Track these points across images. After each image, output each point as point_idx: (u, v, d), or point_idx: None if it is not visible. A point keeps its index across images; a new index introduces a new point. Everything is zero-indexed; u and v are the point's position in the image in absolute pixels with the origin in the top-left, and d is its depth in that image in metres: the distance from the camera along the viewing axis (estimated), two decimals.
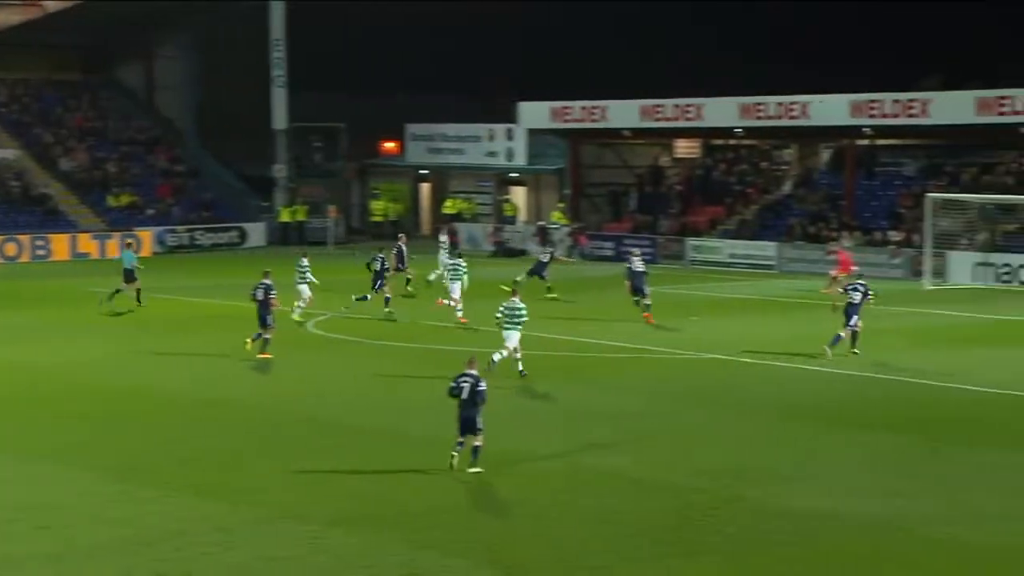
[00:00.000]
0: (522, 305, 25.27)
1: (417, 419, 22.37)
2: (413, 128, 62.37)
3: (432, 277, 38.95)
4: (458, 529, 16.34)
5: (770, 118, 48.35)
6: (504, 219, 57.88)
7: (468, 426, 18.55)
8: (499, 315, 25.30)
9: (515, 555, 15.39)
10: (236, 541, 15.80)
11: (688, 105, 50.59)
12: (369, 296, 34.01)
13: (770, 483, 18.19)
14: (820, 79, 51.65)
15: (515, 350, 25.24)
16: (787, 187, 52.68)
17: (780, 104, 47.97)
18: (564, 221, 54.61)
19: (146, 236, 54.16)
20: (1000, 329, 32.21)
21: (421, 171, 63.40)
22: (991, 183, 45.37)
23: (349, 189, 64.85)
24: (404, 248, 37.96)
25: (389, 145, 65.47)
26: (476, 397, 18.46)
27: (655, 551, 15.44)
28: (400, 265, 37.32)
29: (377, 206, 62.48)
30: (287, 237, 58.41)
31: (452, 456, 18.56)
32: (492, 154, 59.14)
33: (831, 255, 40.20)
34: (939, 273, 40.82)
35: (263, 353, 27.55)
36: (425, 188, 64.10)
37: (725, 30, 69.87)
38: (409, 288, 38.04)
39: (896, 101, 45.23)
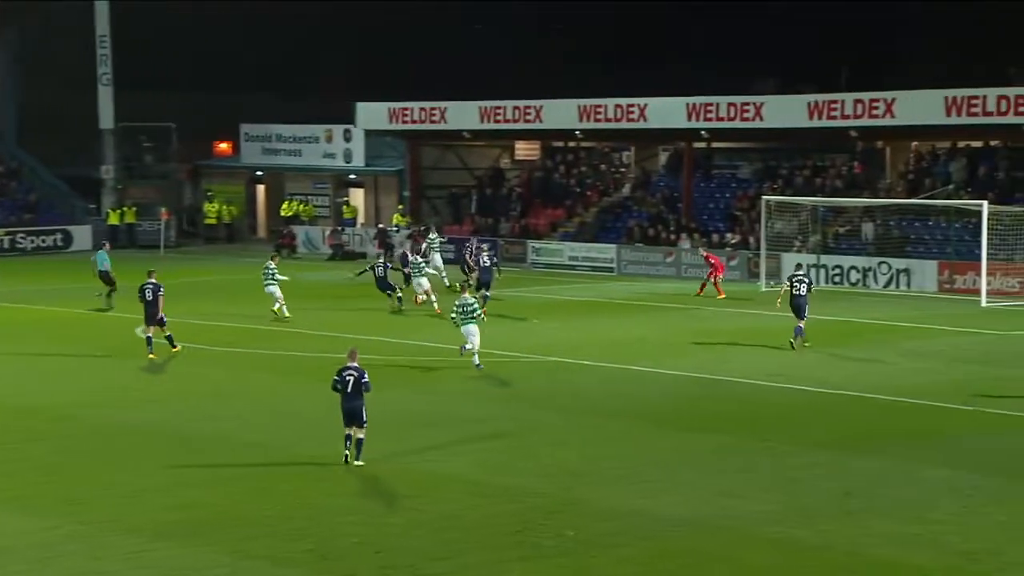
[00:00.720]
0: (472, 300, 27.47)
1: (250, 426, 22.15)
2: (248, 128, 61.51)
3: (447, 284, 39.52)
4: (289, 538, 16.18)
5: (609, 120, 49.06)
6: (343, 221, 57.51)
7: (354, 417, 19.25)
8: (454, 314, 27.22)
9: (349, 564, 15.31)
10: (55, 557, 15.37)
11: (528, 107, 51.01)
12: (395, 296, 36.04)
13: (609, 485, 18.47)
14: (658, 82, 52.72)
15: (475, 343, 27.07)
16: (626, 189, 53.55)
17: (618, 106, 48.71)
18: (403, 223, 54.53)
19: None
20: (830, 330, 33.27)
21: (256, 172, 62.58)
22: (823, 186, 46.86)
23: (181, 191, 63.64)
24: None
25: (223, 146, 64.47)
26: (361, 389, 19.21)
27: (495, 556, 15.53)
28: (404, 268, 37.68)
29: (211, 208, 61.42)
30: (116, 240, 56.96)
31: (346, 451, 19.25)
32: (330, 155, 58.73)
33: (708, 257, 41.10)
34: (774, 275, 41.98)
35: (174, 347, 28.76)
36: (261, 190, 63.29)
37: (566, 32, 70.73)
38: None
39: (731, 104, 46.34)
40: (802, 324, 29.61)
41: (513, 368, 27.89)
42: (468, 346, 27.04)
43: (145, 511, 17.24)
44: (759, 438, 21.03)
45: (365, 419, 19.26)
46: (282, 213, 59.20)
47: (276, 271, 34.46)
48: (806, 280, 30.04)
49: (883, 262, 42.08)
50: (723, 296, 38.67)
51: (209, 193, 62.70)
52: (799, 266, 33.04)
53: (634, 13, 68.62)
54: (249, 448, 20.60)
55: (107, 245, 40.51)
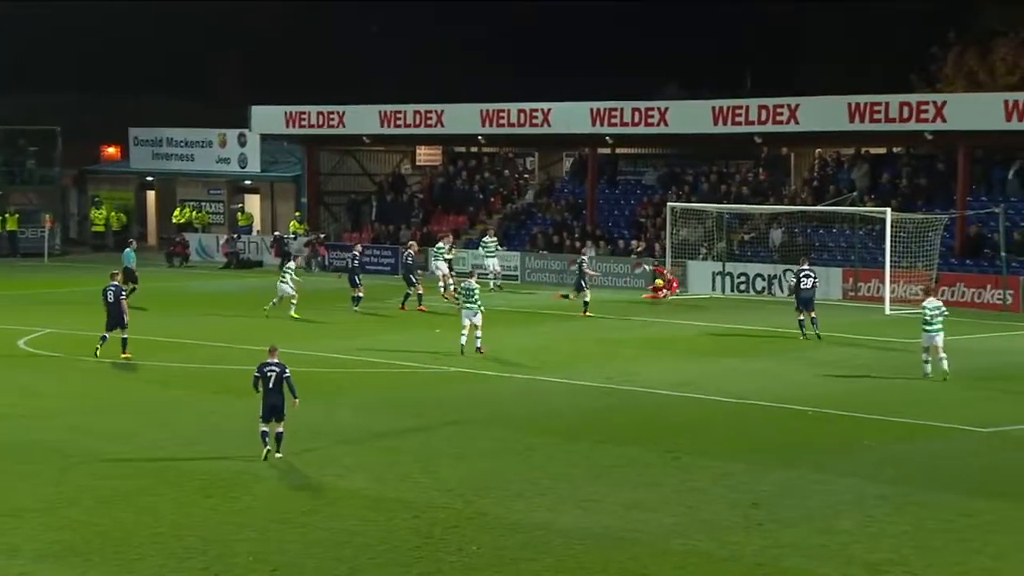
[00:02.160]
0: (476, 286, 30.13)
1: (139, 441, 21.75)
2: (137, 132, 60.64)
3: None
4: (180, 557, 15.91)
5: (512, 125, 49.16)
6: (238, 229, 56.89)
7: (275, 412, 20.07)
8: (458, 297, 30.61)
9: None
10: None
11: (429, 111, 50.94)
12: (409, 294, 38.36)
13: (511, 498, 18.45)
14: (563, 86, 52.99)
15: (475, 327, 29.58)
16: (530, 196, 53.70)
17: (522, 111, 48.83)
18: (301, 231, 54.10)
19: None
20: (736, 339, 33.67)
21: (147, 178, 61.69)
22: (728, 192, 47.42)
23: (67, 197, 62.46)
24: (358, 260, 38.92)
25: (111, 150, 63.48)
26: (283, 385, 20.04)
27: (395, 572, 15.43)
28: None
29: (98, 215, 60.39)
30: None
31: (264, 448, 19.98)
32: (224, 160, 58.12)
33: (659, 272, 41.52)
34: (679, 283, 42.34)
35: (125, 353, 28.89)
36: (151, 196, 62.42)
37: (468, 35, 70.80)
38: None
39: (636, 109, 46.70)
40: (815, 314, 32.23)
41: (416, 379, 27.77)
42: (464, 341, 29.40)
43: (26, 532, 16.82)
44: (666, 450, 21.16)
45: (286, 414, 20.09)
46: (174, 220, 58.45)
47: (293, 272, 36.90)
48: (812, 275, 32.69)
49: (788, 269, 42.63)
50: (647, 298, 39.07)
51: (96, 199, 61.65)
52: (803, 260, 34.79)
53: (537, 17, 68.97)
54: (137, 464, 20.24)
55: (133, 244, 42.14)
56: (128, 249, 40.61)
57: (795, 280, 33.63)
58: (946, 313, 27.40)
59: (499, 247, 45.96)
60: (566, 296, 39.73)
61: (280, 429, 20.17)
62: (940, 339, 26.73)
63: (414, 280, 39.03)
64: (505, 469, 20.12)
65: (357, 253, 40.07)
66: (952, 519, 17.38)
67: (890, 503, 18.14)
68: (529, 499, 18.45)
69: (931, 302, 27.05)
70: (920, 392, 26.24)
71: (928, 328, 26.71)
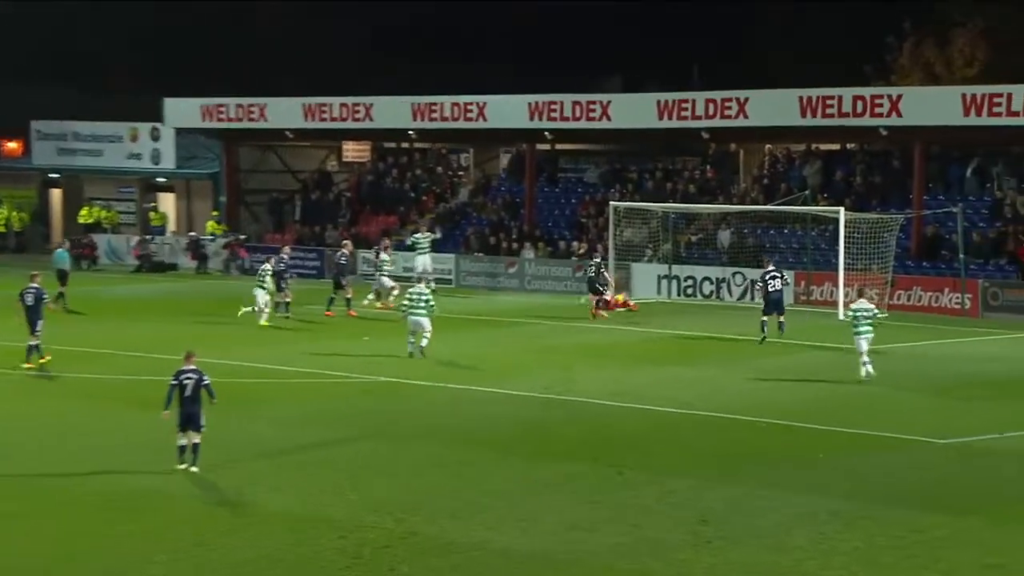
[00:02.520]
0: (425, 290, 30.85)
1: (28, 457, 21.50)
2: (40, 125, 59.93)
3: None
4: None
5: (445, 119, 49.18)
6: (151, 229, 56.45)
7: (191, 422, 20.21)
8: (405, 304, 30.88)
9: None
10: None
11: (356, 104, 50.83)
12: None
13: (444, 516, 18.48)
14: (500, 79, 53.11)
15: (423, 335, 30.29)
16: (464, 194, 53.75)
17: (456, 104, 48.85)
18: (219, 231, 53.77)
19: None
20: (682, 346, 33.91)
21: (50, 175, 60.99)
22: (674, 191, 47.68)
23: None
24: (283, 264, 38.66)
25: (11, 145, 62.73)
26: (200, 392, 20.23)
27: None
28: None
29: None
30: None
31: (179, 458, 20.16)
32: (135, 156, 57.62)
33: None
34: (623, 287, 42.51)
35: (42, 358, 29.21)
36: (56, 194, 61.73)
37: (395, 26, 70.66)
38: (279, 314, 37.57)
39: (576, 103, 46.86)
40: (783, 319, 33.07)
41: (343, 390, 27.71)
42: (411, 348, 29.96)
43: None
44: (608, 464, 21.28)
45: (203, 423, 20.23)
46: (81, 220, 57.86)
47: (270, 272, 37.14)
48: (778, 275, 33.61)
49: (738, 272, 43.04)
50: (605, 316, 38.52)
51: None
52: (767, 262, 35.75)
53: (467, 7, 68.96)
54: (26, 481, 19.97)
55: (66, 244, 43.30)
56: (61, 250, 41.48)
57: (761, 283, 34.41)
58: (877, 315, 28.92)
59: (433, 244, 44.87)
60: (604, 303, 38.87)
61: (196, 440, 20.27)
62: (865, 342, 27.88)
63: (343, 283, 38.94)
64: (438, 485, 20.14)
65: (285, 256, 39.86)
66: (903, 535, 17.66)
67: (841, 519, 18.40)
68: (463, 518, 18.50)
69: (859, 303, 28.57)
70: (875, 401, 26.60)
71: (855, 331, 27.97)
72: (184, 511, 18.79)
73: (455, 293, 45.35)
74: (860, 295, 29.65)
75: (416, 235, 44.86)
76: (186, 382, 20.26)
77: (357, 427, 24.17)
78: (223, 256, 51.93)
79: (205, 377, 20.38)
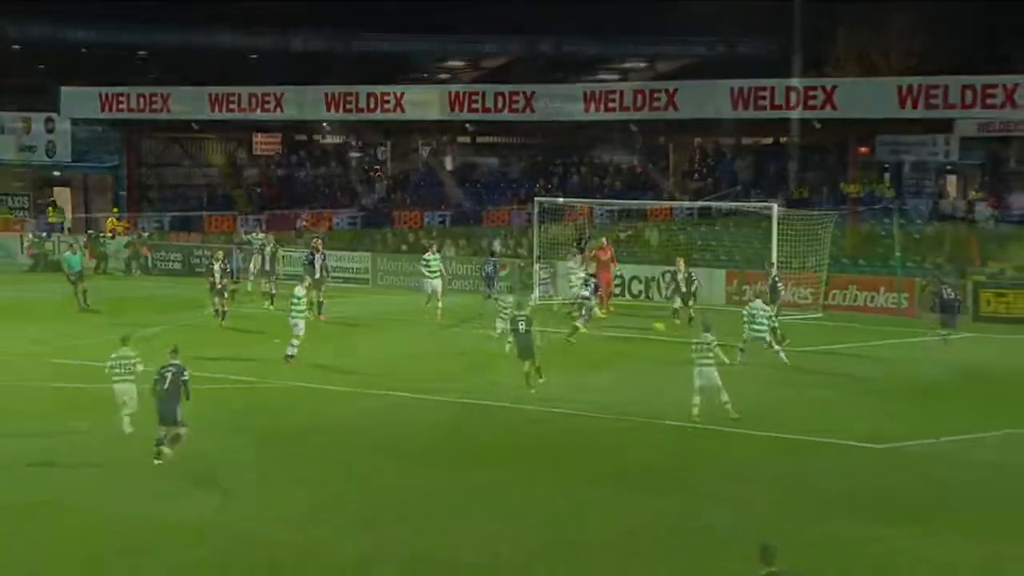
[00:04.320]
0: (302, 293, 31.36)
1: None
2: None
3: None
4: None
5: (361, 111, 48.95)
6: (46, 227, 55.73)
7: (168, 416, 21.11)
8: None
9: None
10: None
11: (266, 94, 50.51)
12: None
13: (357, 529, 18.37)
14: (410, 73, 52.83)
15: (296, 338, 30.41)
16: (382, 190, 53.60)
17: (371, 95, 48.68)
18: (121, 229, 53.18)
19: None
20: (607, 347, 33.90)
21: None
22: (601, 186, 47.86)
23: None
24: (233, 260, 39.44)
25: None
26: (177, 386, 21.14)
27: None
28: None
29: None
30: None
31: (158, 452, 20.95)
32: (29, 148, 56.90)
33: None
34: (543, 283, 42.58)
35: None
36: None
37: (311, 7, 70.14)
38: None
39: (499, 93, 46.86)
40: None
41: (250, 396, 27.48)
42: (290, 350, 30.10)
43: None
44: (527, 473, 21.23)
45: (180, 416, 21.19)
46: None
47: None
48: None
49: (667, 271, 43.13)
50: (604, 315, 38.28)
51: None
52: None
53: None
54: None
55: (74, 247, 43.35)
56: (69, 253, 42.05)
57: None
58: (771, 316, 30.55)
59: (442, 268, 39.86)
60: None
61: (178, 431, 21.26)
62: (764, 339, 29.83)
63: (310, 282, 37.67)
64: (350, 496, 20.02)
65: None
66: (843, 548, 17.72)
67: (776, 532, 18.42)
68: (378, 529, 18.38)
69: (756, 303, 30.51)
70: (809, 405, 26.76)
71: (754, 331, 29.90)
72: (77, 526, 18.53)
73: (372, 293, 45.15)
74: (756, 296, 31.27)
75: (426, 255, 40.06)
76: (166, 375, 21.27)
77: (264, 435, 23.99)
78: (125, 255, 51.32)
79: (185, 373, 21.32)
